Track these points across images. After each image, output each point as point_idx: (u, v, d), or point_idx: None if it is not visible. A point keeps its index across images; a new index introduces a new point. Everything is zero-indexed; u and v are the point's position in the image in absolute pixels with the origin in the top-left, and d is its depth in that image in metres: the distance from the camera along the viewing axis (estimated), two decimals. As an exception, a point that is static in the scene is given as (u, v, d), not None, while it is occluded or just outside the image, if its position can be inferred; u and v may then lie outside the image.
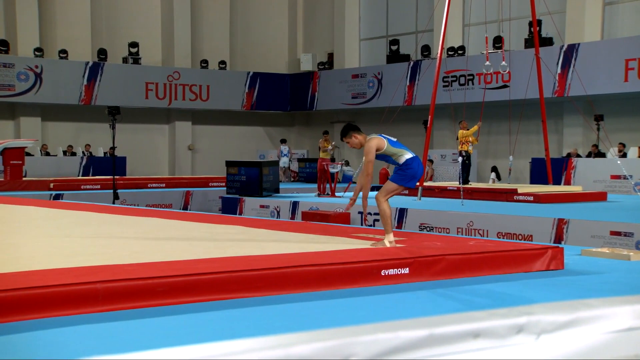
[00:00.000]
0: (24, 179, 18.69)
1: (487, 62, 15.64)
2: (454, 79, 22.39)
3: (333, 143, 17.14)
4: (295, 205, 14.73)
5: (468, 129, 16.04)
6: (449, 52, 22.63)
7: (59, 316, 4.00)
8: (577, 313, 4.16)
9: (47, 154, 23.16)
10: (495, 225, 11.29)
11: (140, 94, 25.03)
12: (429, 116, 15.62)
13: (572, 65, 19.49)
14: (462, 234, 11.41)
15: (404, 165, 6.21)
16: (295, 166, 25.33)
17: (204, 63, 26.58)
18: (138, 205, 15.81)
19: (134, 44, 25.26)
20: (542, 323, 4.02)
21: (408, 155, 6.25)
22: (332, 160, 17.03)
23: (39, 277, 4.41)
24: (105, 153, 23.60)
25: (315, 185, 18.85)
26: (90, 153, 23.56)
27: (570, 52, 19.61)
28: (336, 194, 16.33)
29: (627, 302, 4.41)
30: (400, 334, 3.60)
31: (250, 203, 16.09)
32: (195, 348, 3.34)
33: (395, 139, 6.32)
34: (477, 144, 17.16)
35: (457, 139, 16.12)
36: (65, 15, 25.13)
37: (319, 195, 16.58)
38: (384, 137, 6.27)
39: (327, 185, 16.71)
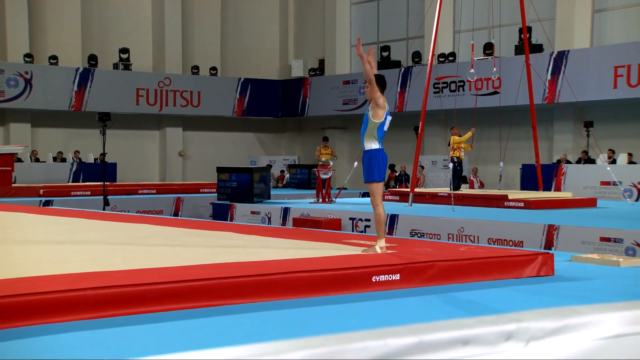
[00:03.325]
0: (13, 185, 18.60)
1: (472, 70, 15.68)
2: (445, 85, 22.46)
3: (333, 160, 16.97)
4: (286, 211, 14.73)
5: (460, 135, 16.07)
6: (440, 59, 22.70)
7: (48, 323, 3.98)
8: (566, 320, 4.17)
9: (37, 160, 23.07)
10: (485, 231, 11.32)
11: (131, 100, 24.99)
12: (420, 122, 15.66)
13: (562, 72, 19.59)
14: (453, 240, 11.43)
15: (369, 154, 6.21)
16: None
17: (195, 69, 26.57)
18: (128, 212, 15.77)
19: (124, 50, 25.22)
20: (531, 330, 4.04)
21: (375, 145, 6.25)
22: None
23: (29, 283, 4.39)
24: (95, 159, 23.53)
25: (311, 192, 18.88)
26: (80, 159, 23.48)
27: (560, 58, 19.71)
28: (332, 199, 16.34)
29: (615, 309, 4.43)
30: (389, 341, 3.61)
31: (241, 209, 16.07)
32: (185, 355, 3.34)
33: (385, 129, 6.31)
34: (470, 150, 17.19)
35: (449, 145, 16.14)
36: (55, 21, 25.08)
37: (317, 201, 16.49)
38: (386, 117, 6.24)
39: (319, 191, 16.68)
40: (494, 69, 15.95)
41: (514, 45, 21.65)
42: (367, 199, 6.40)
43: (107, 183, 17.60)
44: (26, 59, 23.55)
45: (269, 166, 19.65)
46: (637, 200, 16.90)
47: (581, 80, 19.21)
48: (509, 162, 20.75)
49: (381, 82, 6.30)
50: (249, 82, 27.19)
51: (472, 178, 21.61)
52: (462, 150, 16.14)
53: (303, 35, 29.06)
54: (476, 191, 17.83)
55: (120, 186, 20.10)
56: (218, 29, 28.01)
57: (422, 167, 22.54)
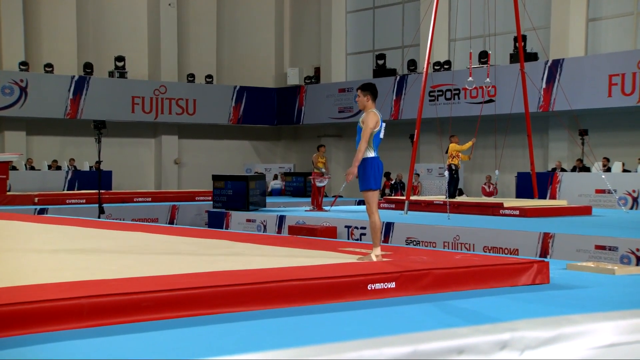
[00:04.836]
0: (8, 193, 18.55)
1: (470, 78, 15.74)
2: (440, 93, 22.51)
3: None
4: (282, 219, 14.72)
5: (459, 144, 16.06)
6: (435, 67, 22.76)
7: (43, 332, 3.97)
8: (561, 329, 4.18)
9: (32, 168, 23.03)
10: (481, 239, 11.32)
11: (127, 108, 24.98)
12: (416, 130, 15.68)
13: (556, 80, 19.66)
14: (448, 248, 11.43)
15: (365, 162, 6.22)
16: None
17: (191, 77, 26.58)
18: (124, 220, 15.74)
19: (120, 58, 25.23)
20: (526, 339, 4.04)
21: (371, 153, 6.27)
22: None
23: (24, 292, 4.38)
24: (90, 167, 23.50)
25: (307, 200, 18.84)
26: (75, 167, 23.45)
27: (555, 67, 19.78)
28: (324, 207, 16.33)
29: (610, 318, 4.44)
30: (384, 351, 3.61)
31: (237, 217, 16.05)
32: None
33: (381, 137, 6.35)
34: (468, 160, 17.18)
35: (447, 152, 16.14)
36: (51, 28, 25.08)
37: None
38: (381, 125, 6.28)
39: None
40: (487, 79, 16.02)
41: (509, 53, 21.72)
42: (363, 207, 6.43)
43: (103, 191, 17.55)
44: (21, 67, 23.54)
45: (262, 174, 19.64)
46: (631, 208, 16.94)
47: (576, 88, 19.27)
48: (504, 170, 20.79)
49: (373, 90, 6.36)
50: (244, 90, 27.21)
51: (483, 185, 21.63)
52: (460, 158, 16.16)
53: (299, 43, 29.11)
54: (472, 199, 17.83)
55: (116, 194, 20.06)
56: (214, 37, 28.06)
57: (418, 175, 22.57)
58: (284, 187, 25.09)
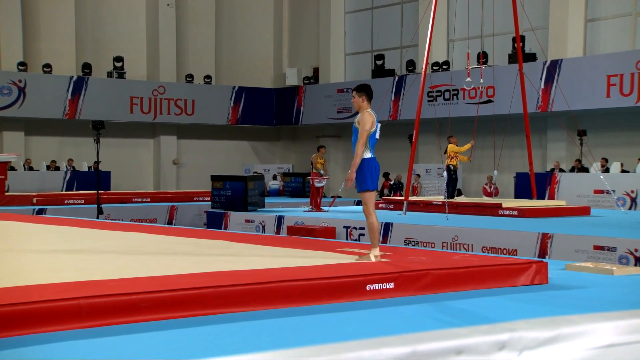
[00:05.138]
0: (6, 193, 18.53)
1: (468, 79, 15.76)
2: (439, 93, 22.52)
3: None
4: (280, 219, 14.72)
5: (458, 145, 16.07)
6: (434, 67, 22.76)
7: (41, 332, 3.97)
8: (559, 329, 4.18)
9: (31, 168, 23.01)
10: (480, 239, 11.33)
11: (125, 109, 24.97)
12: (414, 131, 15.69)
13: (555, 81, 19.67)
14: (447, 249, 11.43)
15: (361, 163, 6.22)
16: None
17: (189, 77, 26.58)
18: (122, 220, 15.74)
19: (118, 58, 25.21)
20: (525, 339, 4.04)
21: (368, 154, 6.29)
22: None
23: (22, 292, 4.38)
24: (89, 167, 23.49)
25: (303, 200, 18.86)
26: (73, 167, 23.44)
27: (554, 67, 19.79)
28: (322, 208, 16.33)
29: (608, 318, 4.45)
30: (383, 351, 3.61)
31: (236, 218, 16.05)
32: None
33: (377, 137, 6.35)
34: (468, 162, 17.18)
35: (445, 153, 16.15)
36: (49, 29, 25.06)
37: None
38: (376, 126, 6.28)
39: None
40: (481, 80, 16.05)
41: (507, 54, 21.73)
42: (361, 208, 6.47)
43: (101, 191, 17.53)
44: (20, 67, 23.52)
45: (261, 175, 19.63)
46: (630, 208, 16.95)
47: (574, 89, 19.28)
48: (503, 170, 20.79)
49: (368, 91, 6.39)
50: (243, 90, 27.20)
51: (484, 185, 21.62)
52: (458, 159, 16.16)
53: (297, 43, 29.11)
54: (470, 199, 17.84)
55: (114, 194, 20.05)
56: (212, 38, 28.05)
57: (419, 176, 22.56)
58: (282, 187, 25.09)
